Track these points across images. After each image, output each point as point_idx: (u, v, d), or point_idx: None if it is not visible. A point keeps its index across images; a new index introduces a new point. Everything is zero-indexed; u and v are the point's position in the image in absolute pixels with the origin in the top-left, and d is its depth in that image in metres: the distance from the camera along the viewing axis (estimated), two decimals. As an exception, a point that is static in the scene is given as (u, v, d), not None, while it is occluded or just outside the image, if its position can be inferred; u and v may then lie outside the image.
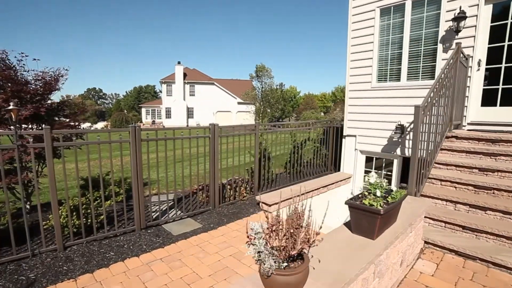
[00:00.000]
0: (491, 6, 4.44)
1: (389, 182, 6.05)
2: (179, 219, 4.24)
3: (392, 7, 5.50)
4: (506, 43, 4.34)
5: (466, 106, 4.76)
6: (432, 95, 3.32)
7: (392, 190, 2.16)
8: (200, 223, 4.16)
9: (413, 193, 3.02)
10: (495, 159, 3.31)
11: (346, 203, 2.09)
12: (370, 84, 6.00)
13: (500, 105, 4.46)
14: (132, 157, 3.58)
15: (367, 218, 1.94)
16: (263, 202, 4.69)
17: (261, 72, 30.66)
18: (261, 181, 5.66)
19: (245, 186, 5.25)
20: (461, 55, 4.53)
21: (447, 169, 3.49)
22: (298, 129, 6.71)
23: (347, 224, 2.29)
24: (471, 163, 3.30)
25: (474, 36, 4.55)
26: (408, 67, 5.39)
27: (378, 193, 2.12)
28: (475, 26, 4.52)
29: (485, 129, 4.38)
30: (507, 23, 4.31)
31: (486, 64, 4.56)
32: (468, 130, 4.67)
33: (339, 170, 6.97)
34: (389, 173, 6.03)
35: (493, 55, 4.48)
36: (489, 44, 4.50)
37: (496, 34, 4.43)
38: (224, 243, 3.60)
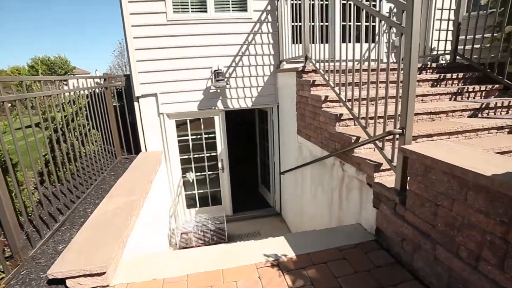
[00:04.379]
0: None
1: (215, 146, 4.91)
2: None
3: None
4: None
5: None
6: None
7: None
8: None
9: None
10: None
11: None
12: (166, 16, 4.13)
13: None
14: None
15: None
16: (78, 275, 1.81)
17: None
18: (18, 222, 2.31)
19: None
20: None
21: (340, 106, 2.95)
22: (78, 91, 3.37)
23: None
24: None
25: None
26: (215, -6, 4.16)
27: None
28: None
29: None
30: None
31: None
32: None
33: (138, 151, 4.71)
34: (212, 135, 4.85)
35: None
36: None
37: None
38: None
